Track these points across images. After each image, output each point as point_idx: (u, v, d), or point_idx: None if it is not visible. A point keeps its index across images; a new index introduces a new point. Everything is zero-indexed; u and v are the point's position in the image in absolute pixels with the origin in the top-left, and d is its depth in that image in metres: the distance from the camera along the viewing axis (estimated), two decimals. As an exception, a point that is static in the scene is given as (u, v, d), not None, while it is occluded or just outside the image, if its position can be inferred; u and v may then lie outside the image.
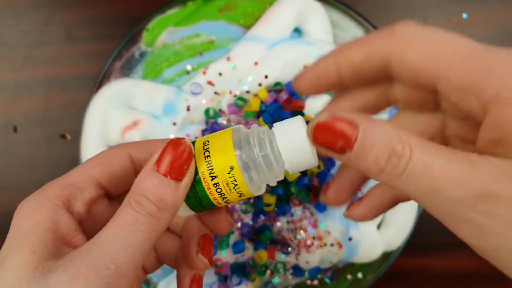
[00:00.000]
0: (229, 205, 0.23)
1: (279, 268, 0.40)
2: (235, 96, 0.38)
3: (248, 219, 0.39)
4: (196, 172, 0.21)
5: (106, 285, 0.18)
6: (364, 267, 0.41)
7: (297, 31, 0.40)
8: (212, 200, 0.22)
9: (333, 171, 0.38)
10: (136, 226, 0.19)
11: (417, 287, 0.47)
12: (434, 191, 0.17)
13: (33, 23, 0.48)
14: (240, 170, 0.21)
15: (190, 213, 0.23)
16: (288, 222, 0.39)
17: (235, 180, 0.21)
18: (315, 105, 0.38)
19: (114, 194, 0.24)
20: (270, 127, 0.22)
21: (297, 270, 0.41)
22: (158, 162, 0.21)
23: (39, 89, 0.47)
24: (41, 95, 0.47)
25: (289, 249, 0.39)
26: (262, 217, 0.39)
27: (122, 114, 0.39)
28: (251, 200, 0.38)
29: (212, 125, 0.39)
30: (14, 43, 0.47)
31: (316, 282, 0.42)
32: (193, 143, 0.22)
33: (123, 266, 0.19)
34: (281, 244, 0.40)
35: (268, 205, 0.37)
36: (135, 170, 0.24)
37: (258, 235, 0.40)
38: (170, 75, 0.40)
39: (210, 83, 0.39)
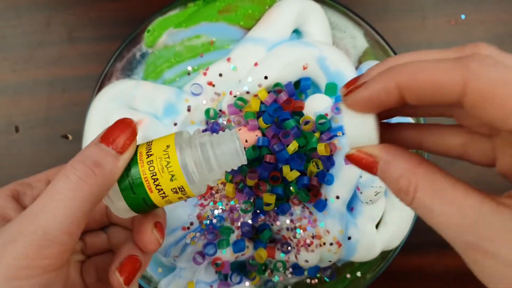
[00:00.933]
0: (164, 200, 0.23)
1: (278, 267, 0.40)
2: (235, 96, 0.39)
3: (248, 218, 0.39)
4: (135, 154, 0.23)
5: (36, 248, 0.19)
6: (363, 266, 0.42)
7: (297, 32, 0.41)
8: (143, 180, 0.22)
9: (332, 171, 0.39)
10: (65, 195, 0.20)
11: (415, 286, 0.48)
12: (435, 228, 0.19)
13: (34, 24, 0.48)
14: (177, 149, 0.22)
15: (125, 211, 0.24)
16: (287, 221, 0.39)
17: (168, 157, 0.22)
18: (314, 106, 0.38)
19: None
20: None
21: (296, 269, 0.41)
22: (103, 135, 0.22)
23: (41, 89, 0.47)
24: (42, 96, 0.47)
25: (289, 248, 0.39)
26: (262, 216, 0.39)
27: (124, 114, 0.39)
28: (251, 199, 0.38)
29: (212, 125, 0.39)
30: (15, 44, 0.48)
31: (315, 281, 0.42)
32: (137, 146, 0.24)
33: (51, 232, 0.20)
34: (281, 243, 0.40)
35: (268, 204, 0.37)
36: None
37: (258, 234, 0.40)
38: (170, 76, 0.40)
39: (210, 83, 0.39)
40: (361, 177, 0.39)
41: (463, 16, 0.47)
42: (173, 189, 0.22)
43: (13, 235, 0.19)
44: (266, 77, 0.38)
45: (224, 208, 0.39)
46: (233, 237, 0.39)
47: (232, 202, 0.39)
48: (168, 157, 0.22)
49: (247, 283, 0.40)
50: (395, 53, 0.41)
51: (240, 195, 0.38)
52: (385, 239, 0.40)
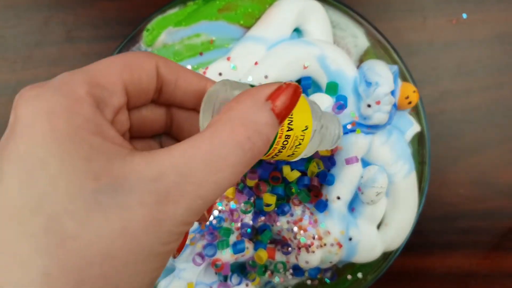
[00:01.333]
0: (268, 158, 0.22)
1: (279, 268, 0.40)
2: (235, 96, 0.38)
3: (248, 219, 0.39)
4: None
5: (193, 216, 0.17)
6: (364, 267, 0.41)
7: (297, 31, 0.40)
8: (271, 149, 0.21)
9: (333, 171, 0.38)
10: (237, 169, 0.18)
11: (416, 287, 0.48)
12: None
13: (33, 23, 0.48)
14: (311, 133, 0.22)
15: None
16: (288, 222, 0.39)
17: (303, 139, 0.21)
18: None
19: (130, 105, 0.21)
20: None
21: (297, 270, 0.41)
22: (273, 98, 0.19)
23: (40, 89, 0.47)
24: (41, 96, 0.47)
25: (289, 249, 0.39)
26: (262, 217, 0.39)
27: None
28: (251, 200, 0.38)
29: (212, 125, 0.39)
30: (14, 44, 0.48)
31: (316, 282, 0.42)
32: None
33: (207, 203, 0.18)
34: (281, 244, 0.40)
35: (268, 205, 0.37)
36: (157, 87, 0.22)
37: (258, 235, 0.40)
38: (170, 75, 0.40)
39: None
40: (362, 177, 0.38)
41: (464, 16, 0.47)
42: (281, 159, 0.22)
43: (172, 196, 0.16)
44: (266, 76, 0.37)
45: (224, 208, 0.39)
46: (233, 238, 0.39)
47: (232, 203, 0.39)
48: (303, 140, 0.21)
49: (247, 284, 0.40)
50: (396, 52, 0.40)
51: (240, 195, 0.38)
52: (386, 240, 0.40)
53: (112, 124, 0.19)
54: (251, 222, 0.39)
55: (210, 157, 0.17)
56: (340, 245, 0.39)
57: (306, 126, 0.21)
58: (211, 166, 0.17)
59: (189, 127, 0.24)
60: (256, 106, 0.19)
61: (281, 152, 0.21)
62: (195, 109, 0.23)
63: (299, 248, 0.38)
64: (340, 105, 0.37)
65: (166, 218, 0.16)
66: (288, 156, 0.22)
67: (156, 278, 0.18)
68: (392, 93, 0.37)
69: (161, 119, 0.24)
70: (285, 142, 0.21)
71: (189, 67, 0.40)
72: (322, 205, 0.38)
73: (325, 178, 0.38)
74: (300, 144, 0.21)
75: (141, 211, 0.16)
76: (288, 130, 0.21)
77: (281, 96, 0.19)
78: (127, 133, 0.22)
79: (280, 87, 0.19)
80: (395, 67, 0.38)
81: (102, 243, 0.15)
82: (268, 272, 0.41)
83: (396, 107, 0.39)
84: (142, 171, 0.16)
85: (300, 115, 0.21)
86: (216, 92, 0.21)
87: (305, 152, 0.22)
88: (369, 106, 0.37)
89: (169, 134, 0.25)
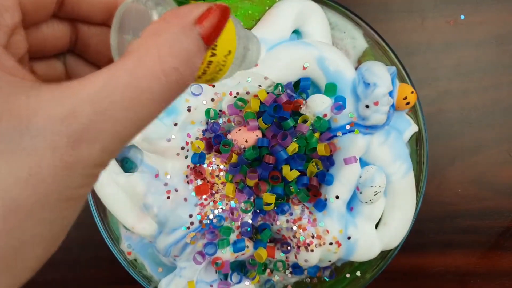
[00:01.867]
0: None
1: (278, 267, 0.41)
2: (235, 97, 0.39)
3: (248, 218, 0.39)
4: None
5: (106, 154, 0.15)
6: (363, 265, 0.42)
7: (297, 32, 0.41)
8: None
9: (332, 171, 0.39)
10: (160, 104, 0.16)
11: (414, 286, 0.48)
12: None
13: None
14: (233, 59, 0.20)
15: None
16: (287, 221, 0.39)
17: (225, 65, 0.20)
18: (314, 106, 0.38)
19: (27, 23, 0.18)
20: None
21: (296, 268, 0.41)
22: (201, 21, 0.17)
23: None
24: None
25: (289, 247, 0.39)
26: (262, 215, 0.40)
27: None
28: (251, 199, 0.39)
29: (212, 125, 0.39)
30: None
31: (315, 280, 0.42)
32: None
33: (124, 142, 0.16)
34: (281, 242, 0.40)
35: (268, 204, 0.37)
36: None
37: (258, 233, 0.40)
38: (171, 76, 0.40)
39: (210, 84, 0.39)
40: (360, 177, 0.39)
41: (462, 17, 0.47)
42: (198, 83, 0.21)
43: (86, 136, 0.14)
44: (266, 77, 0.38)
45: (224, 208, 0.39)
46: (233, 236, 0.39)
47: (232, 202, 0.39)
48: (224, 66, 0.20)
49: (247, 283, 0.40)
50: (394, 54, 0.41)
51: (240, 195, 0.38)
52: (384, 239, 0.40)
53: (6, 49, 0.16)
54: (251, 221, 0.39)
55: (131, 91, 0.15)
56: (339, 244, 0.39)
57: (229, 51, 0.20)
58: (132, 101, 0.15)
59: (97, 44, 0.21)
60: (185, 30, 0.16)
61: (200, 78, 0.20)
62: (105, 24, 0.20)
63: (299, 247, 0.39)
64: (339, 105, 0.38)
65: (78, 161, 0.14)
66: (207, 81, 0.20)
67: (68, 226, 0.16)
68: (390, 94, 0.37)
69: (65, 36, 0.21)
70: (207, 68, 0.19)
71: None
72: (321, 205, 0.38)
73: (324, 177, 0.38)
74: (221, 70, 0.20)
75: (50, 155, 0.14)
76: (211, 56, 0.19)
77: (210, 19, 0.17)
78: (26, 55, 0.19)
79: (210, 9, 0.17)
80: (393, 69, 0.39)
81: (6, 195, 0.13)
82: (268, 271, 0.42)
83: (394, 107, 0.39)
84: (51, 109, 0.14)
85: (225, 39, 0.20)
86: (133, 5, 0.19)
87: (225, 76, 0.21)
88: (367, 106, 0.37)
89: (74, 52, 0.22)
